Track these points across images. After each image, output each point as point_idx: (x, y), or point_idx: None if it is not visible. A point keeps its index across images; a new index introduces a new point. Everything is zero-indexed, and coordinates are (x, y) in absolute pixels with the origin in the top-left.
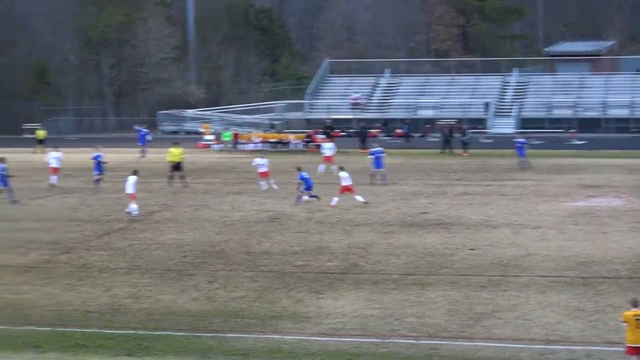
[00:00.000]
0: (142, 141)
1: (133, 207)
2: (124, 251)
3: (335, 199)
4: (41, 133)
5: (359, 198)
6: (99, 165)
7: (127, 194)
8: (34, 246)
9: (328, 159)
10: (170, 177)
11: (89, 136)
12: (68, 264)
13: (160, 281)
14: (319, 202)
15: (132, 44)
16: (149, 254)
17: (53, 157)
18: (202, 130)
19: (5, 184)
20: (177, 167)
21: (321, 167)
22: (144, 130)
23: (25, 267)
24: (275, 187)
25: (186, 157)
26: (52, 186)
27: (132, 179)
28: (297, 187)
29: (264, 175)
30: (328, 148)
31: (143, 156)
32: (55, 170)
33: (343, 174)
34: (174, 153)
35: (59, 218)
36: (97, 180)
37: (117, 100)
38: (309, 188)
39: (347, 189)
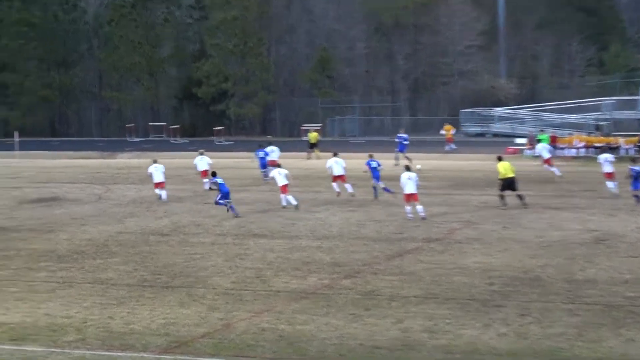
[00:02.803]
0: (400, 148)
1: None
2: (418, 276)
3: None
4: (313, 135)
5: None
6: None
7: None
8: (312, 268)
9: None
10: (501, 196)
11: (377, 139)
12: (352, 290)
13: (461, 313)
14: None
15: (432, 30)
16: (449, 279)
17: (339, 164)
18: (443, 132)
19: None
20: (509, 183)
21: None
22: (404, 135)
23: (303, 292)
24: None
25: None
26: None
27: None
28: None
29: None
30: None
31: (397, 164)
32: (340, 178)
33: None
34: (505, 166)
35: (341, 235)
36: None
37: (412, 97)
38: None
39: None
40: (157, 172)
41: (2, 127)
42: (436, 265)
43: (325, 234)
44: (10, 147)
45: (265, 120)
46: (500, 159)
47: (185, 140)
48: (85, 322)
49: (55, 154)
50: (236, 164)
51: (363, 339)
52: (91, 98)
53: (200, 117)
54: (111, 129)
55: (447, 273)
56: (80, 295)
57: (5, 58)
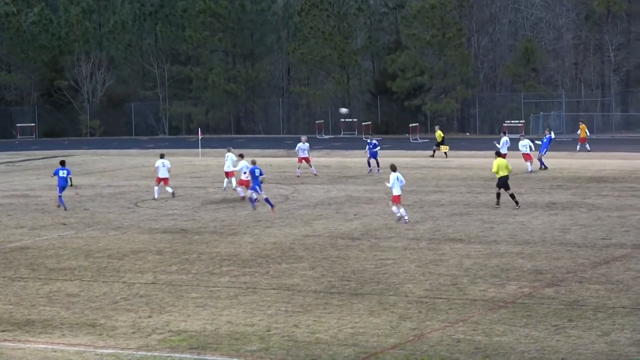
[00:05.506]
0: (541, 149)
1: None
2: (626, 285)
3: None
4: (438, 134)
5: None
6: None
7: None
8: (512, 276)
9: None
10: (498, 195)
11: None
12: (555, 300)
13: None
14: None
15: None
16: None
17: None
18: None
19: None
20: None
21: None
22: (549, 135)
23: (501, 301)
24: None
25: None
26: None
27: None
28: None
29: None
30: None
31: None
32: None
33: None
34: (501, 165)
35: (544, 241)
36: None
37: (624, 91)
38: None
39: None
40: (228, 161)
41: (185, 124)
42: None
43: (527, 239)
44: (193, 145)
45: (464, 116)
46: (499, 155)
47: (379, 137)
48: (269, 331)
49: (240, 152)
50: (432, 163)
51: (565, 353)
52: (278, 93)
53: (394, 113)
54: (299, 126)
55: None
56: (264, 301)
57: (190, 50)
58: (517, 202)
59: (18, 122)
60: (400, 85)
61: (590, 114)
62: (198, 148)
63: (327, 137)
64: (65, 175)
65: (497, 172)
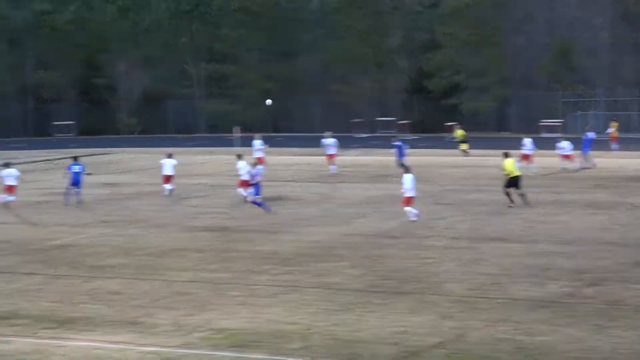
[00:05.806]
0: (584, 149)
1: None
2: None
3: None
4: (459, 132)
5: None
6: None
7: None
8: (552, 275)
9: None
10: (508, 194)
11: (621, 136)
12: (596, 300)
13: None
14: None
15: None
16: None
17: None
18: (610, 129)
19: None
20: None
21: None
22: (590, 134)
23: (542, 301)
24: None
25: None
26: None
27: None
28: None
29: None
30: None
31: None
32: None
33: None
34: (512, 164)
35: (584, 240)
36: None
37: None
38: None
39: None
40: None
41: (222, 122)
42: None
43: (567, 239)
44: (231, 143)
45: (501, 115)
46: (507, 155)
47: (415, 136)
48: (310, 329)
49: (278, 150)
50: (470, 162)
51: (607, 352)
52: (316, 91)
53: (431, 112)
54: (337, 124)
55: None
56: (304, 300)
57: (226, 49)
58: (512, 200)
59: (56, 120)
60: (437, 84)
61: (628, 113)
62: (236, 146)
63: (364, 135)
64: (79, 171)
65: (511, 173)
